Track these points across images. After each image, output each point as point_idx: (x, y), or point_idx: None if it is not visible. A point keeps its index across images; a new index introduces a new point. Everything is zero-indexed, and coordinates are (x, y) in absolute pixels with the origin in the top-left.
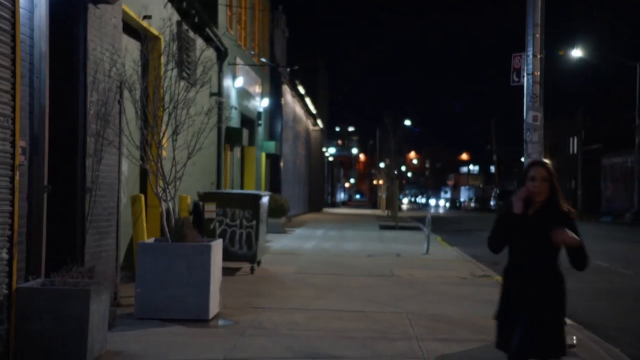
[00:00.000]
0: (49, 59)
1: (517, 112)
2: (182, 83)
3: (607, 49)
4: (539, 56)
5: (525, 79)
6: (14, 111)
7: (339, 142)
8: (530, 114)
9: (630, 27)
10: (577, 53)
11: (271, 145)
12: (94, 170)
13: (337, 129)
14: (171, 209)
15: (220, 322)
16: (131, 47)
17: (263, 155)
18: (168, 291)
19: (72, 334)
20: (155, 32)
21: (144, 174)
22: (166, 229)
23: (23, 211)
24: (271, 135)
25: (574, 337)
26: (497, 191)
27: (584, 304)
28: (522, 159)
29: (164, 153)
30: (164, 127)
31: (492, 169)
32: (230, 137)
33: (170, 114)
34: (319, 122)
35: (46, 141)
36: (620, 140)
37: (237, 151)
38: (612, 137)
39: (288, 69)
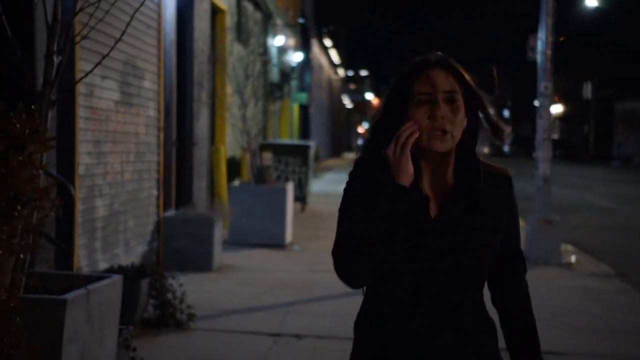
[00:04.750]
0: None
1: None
2: (246, 53)
3: None
4: (550, 39)
5: (538, 56)
6: (158, 86)
7: (351, 86)
8: (542, 84)
9: None
10: (592, 2)
11: (303, 97)
12: (195, 127)
13: (350, 73)
14: (252, 158)
15: (295, 247)
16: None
17: (295, 106)
18: (253, 223)
19: (202, 250)
20: (224, 6)
21: (214, 128)
22: (251, 174)
23: (163, 161)
24: (302, 86)
25: (573, 257)
26: (512, 137)
27: (586, 235)
28: (535, 102)
29: (247, 112)
30: (247, 94)
31: (506, 113)
32: (272, 92)
33: (253, 83)
34: (340, 71)
35: (174, 107)
36: (633, 85)
37: (277, 104)
38: (625, 83)
39: (326, 29)
